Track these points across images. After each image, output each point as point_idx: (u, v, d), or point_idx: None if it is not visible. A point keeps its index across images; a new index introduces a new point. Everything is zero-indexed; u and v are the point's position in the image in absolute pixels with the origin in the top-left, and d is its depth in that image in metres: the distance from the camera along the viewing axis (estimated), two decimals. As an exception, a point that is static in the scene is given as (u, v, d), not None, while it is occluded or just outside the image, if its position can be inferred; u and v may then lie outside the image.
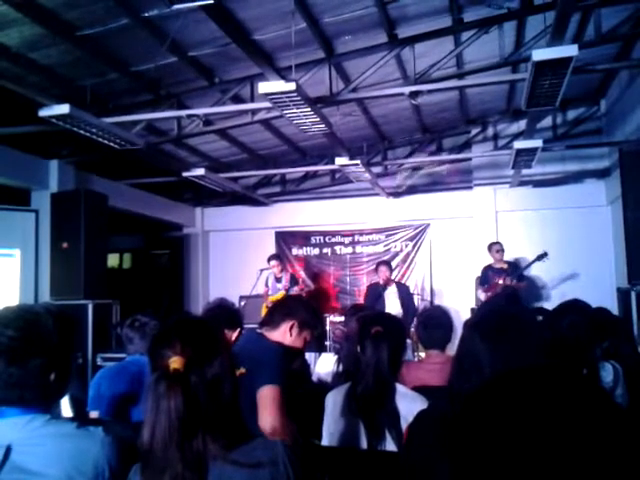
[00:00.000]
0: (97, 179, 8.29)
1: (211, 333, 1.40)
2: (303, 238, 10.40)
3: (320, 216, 10.19)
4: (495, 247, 7.84)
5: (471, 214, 9.44)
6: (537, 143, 6.72)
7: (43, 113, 5.02)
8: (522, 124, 8.27)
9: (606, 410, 0.65)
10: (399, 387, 2.31)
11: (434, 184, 9.78)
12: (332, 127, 6.00)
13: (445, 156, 9.45)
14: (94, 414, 2.71)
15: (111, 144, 5.86)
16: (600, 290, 7.45)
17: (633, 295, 5.74)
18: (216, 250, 10.96)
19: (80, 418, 1.79)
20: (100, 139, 5.69)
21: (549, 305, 7.76)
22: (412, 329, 6.45)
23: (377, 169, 9.11)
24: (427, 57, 5.92)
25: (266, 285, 8.34)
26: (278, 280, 8.26)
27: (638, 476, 0.59)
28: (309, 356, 3.86)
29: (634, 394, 2.57)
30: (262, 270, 8.37)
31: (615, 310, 6.03)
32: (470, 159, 9.43)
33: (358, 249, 10.16)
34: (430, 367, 2.90)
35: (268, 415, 2.14)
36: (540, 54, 4.30)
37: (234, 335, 3.07)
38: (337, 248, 10.25)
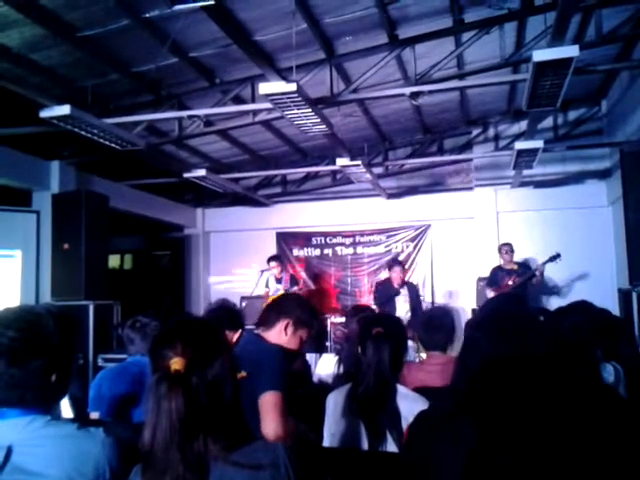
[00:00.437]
0: (98, 180, 8.30)
1: (212, 334, 1.40)
2: (304, 239, 10.40)
3: (321, 217, 10.19)
4: (505, 248, 7.84)
5: (472, 215, 9.43)
6: (538, 144, 6.72)
7: (44, 114, 5.02)
8: (523, 125, 8.27)
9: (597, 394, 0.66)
10: (400, 388, 2.31)
11: (435, 185, 9.78)
12: (333, 128, 6.00)
13: (446, 157, 9.45)
14: (95, 415, 2.71)
15: (112, 145, 5.86)
16: (601, 291, 7.44)
17: (634, 296, 5.73)
18: (217, 251, 10.96)
19: (81, 419, 1.79)
20: (101, 140, 5.70)
21: (550, 305, 7.76)
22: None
23: (378, 170, 9.11)
24: (428, 58, 5.91)
25: (266, 286, 8.34)
26: (278, 281, 8.26)
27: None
28: (310, 357, 3.86)
29: (635, 395, 2.56)
30: (263, 271, 8.37)
31: (616, 311, 6.02)
32: (471, 160, 9.42)
33: (359, 250, 10.16)
34: (431, 368, 2.90)
35: (271, 421, 2.11)
36: (541, 55, 4.29)
37: (235, 336, 3.06)
38: (338, 249, 10.24)
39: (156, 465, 1.21)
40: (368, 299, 9.68)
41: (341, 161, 7.33)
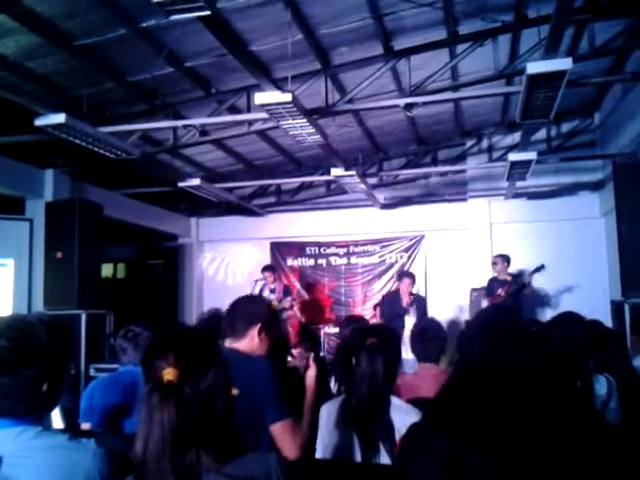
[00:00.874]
0: (92, 188, 8.28)
1: (205, 344, 1.39)
2: (298, 249, 10.39)
3: (315, 227, 10.19)
4: (496, 259, 7.85)
5: (466, 226, 9.46)
6: (531, 155, 6.76)
7: (39, 122, 5.02)
8: (517, 136, 8.32)
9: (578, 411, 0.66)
10: (394, 399, 2.31)
11: (429, 195, 9.81)
12: (328, 138, 6.03)
13: (440, 168, 9.49)
14: (86, 425, 2.68)
15: (107, 154, 5.86)
16: (594, 302, 7.47)
17: (627, 308, 5.75)
18: (211, 260, 10.94)
19: (72, 430, 1.77)
20: (96, 148, 5.69)
21: (543, 317, 7.77)
22: None
23: (372, 180, 9.14)
24: (422, 69, 5.95)
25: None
26: (272, 291, 8.24)
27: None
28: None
29: (627, 407, 2.56)
30: (257, 281, 8.35)
31: (609, 323, 6.03)
32: (465, 171, 9.47)
33: (353, 260, 10.16)
34: (424, 380, 2.89)
35: (291, 447, 2.20)
36: (534, 67, 4.33)
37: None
38: (332, 259, 10.24)
39: (148, 476, 1.20)
40: (362, 309, 9.67)
41: (335, 171, 7.35)
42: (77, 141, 5.45)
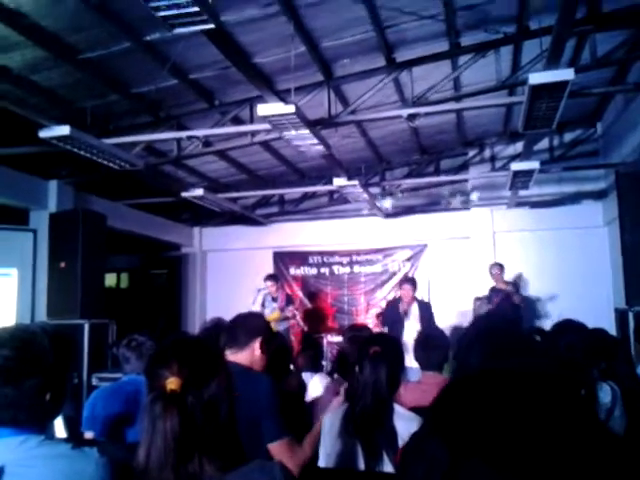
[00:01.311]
0: (96, 199, 8.31)
1: (209, 354, 1.40)
2: (301, 258, 10.40)
3: (318, 236, 10.20)
4: (492, 269, 7.87)
5: (468, 235, 9.46)
6: (534, 165, 6.77)
7: (43, 134, 5.05)
8: (519, 146, 8.34)
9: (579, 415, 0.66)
10: (397, 408, 2.30)
11: (432, 204, 9.82)
12: (331, 148, 6.05)
13: (443, 177, 9.50)
14: (89, 434, 2.69)
15: (110, 165, 5.89)
16: (598, 311, 7.43)
17: (631, 316, 5.74)
18: (214, 270, 10.95)
19: (75, 439, 1.78)
20: (100, 160, 5.72)
21: (547, 326, 7.74)
22: None
23: (375, 190, 9.15)
24: (425, 80, 5.98)
25: (263, 305, 8.31)
26: (274, 300, 8.23)
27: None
28: (305, 376, 3.83)
29: (632, 415, 2.55)
30: (259, 290, 8.35)
31: (613, 331, 6.01)
32: (467, 180, 9.48)
33: (356, 269, 10.16)
34: (427, 388, 2.88)
35: (292, 465, 2.22)
36: (537, 78, 4.35)
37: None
38: (335, 268, 10.24)
39: (150, 485, 1.20)
40: (365, 318, 9.66)
41: (338, 181, 7.37)
42: (81, 152, 5.48)
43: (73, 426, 2.78)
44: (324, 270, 10.27)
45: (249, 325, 2.56)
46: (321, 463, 2.37)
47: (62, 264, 6.99)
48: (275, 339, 2.75)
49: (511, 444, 0.62)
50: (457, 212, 9.61)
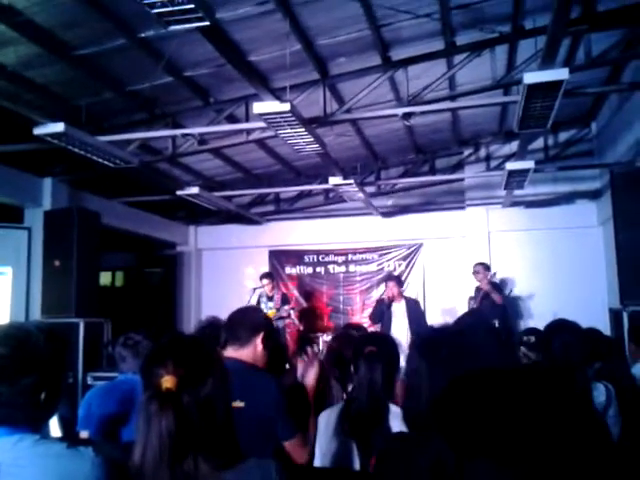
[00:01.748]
0: (91, 197, 8.28)
1: (204, 352, 1.40)
2: (296, 257, 10.40)
3: (314, 235, 10.20)
4: (474, 268, 7.95)
5: (464, 234, 9.48)
6: (529, 164, 6.78)
7: (38, 131, 5.02)
8: (514, 145, 8.36)
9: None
10: (393, 407, 2.30)
11: (427, 204, 9.83)
12: (326, 147, 6.04)
13: (438, 176, 9.52)
14: (84, 434, 2.68)
15: (105, 162, 5.87)
16: (592, 311, 7.46)
17: (625, 316, 5.76)
18: (209, 268, 10.93)
19: (70, 438, 1.77)
20: (95, 157, 5.70)
21: (541, 325, 7.76)
22: None
23: (370, 189, 9.16)
24: (420, 79, 5.99)
25: (258, 305, 8.30)
26: (270, 299, 8.23)
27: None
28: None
29: (626, 415, 2.56)
30: (255, 289, 8.35)
31: (607, 331, 6.04)
32: (463, 179, 9.49)
33: (351, 268, 10.16)
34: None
35: (302, 459, 2.34)
36: (532, 77, 4.36)
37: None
38: (330, 267, 10.24)
39: (146, 484, 1.20)
40: (360, 317, 9.66)
41: (334, 180, 7.37)
42: (76, 150, 5.45)
43: (68, 425, 2.77)
44: (320, 269, 10.27)
45: (250, 320, 2.51)
46: (317, 462, 2.37)
47: (57, 262, 6.96)
48: (275, 335, 2.73)
49: (514, 443, 0.62)
50: (452, 211, 9.63)
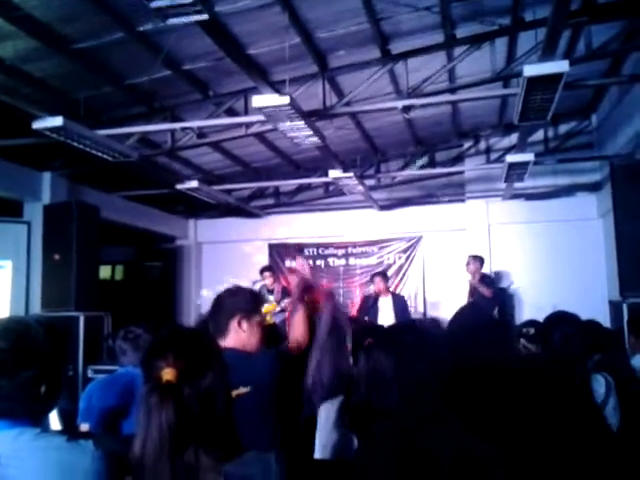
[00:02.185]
0: (90, 191, 8.27)
1: (205, 345, 1.40)
2: (296, 250, 10.40)
3: (313, 228, 10.20)
4: (469, 261, 7.97)
5: (464, 227, 9.48)
6: (529, 157, 6.78)
7: (37, 125, 5.01)
8: (514, 138, 8.34)
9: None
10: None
11: (427, 197, 9.82)
12: (325, 140, 6.03)
13: (438, 169, 9.50)
14: (85, 426, 2.68)
15: (104, 156, 5.86)
16: (592, 303, 7.45)
17: (625, 308, 5.76)
18: (209, 262, 10.93)
19: (70, 431, 1.77)
20: (93, 151, 5.69)
21: (541, 317, 7.77)
22: None
23: (370, 182, 9.15)
24: (420, 72, 5.97)
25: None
26: (270, 292, 8.23)
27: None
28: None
29: (626, 406, 2.57)
30: (255, 282, 8.34)
31: (607, 323, 6.04)
32: (463, 172, 9.48)
33: (351, 261, 10.17)
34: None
35: (298, 334, 2.39)
36: (532, 69, 4.35)
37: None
38: (330, 260, 10.25)
39: (146, 477, 1.20)
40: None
41: (333, 173, 7.36)
42: (75, 144, 5.44)
43: (68, 418, 2.78)
44: (319, 262, 10.28)
45: (224, 306, 2.36)
46: (317, 455, 2.38)
47: (56, 256, 6.96)
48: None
49: (520, 424, 0.63)
50: (452, 204, 9.63)
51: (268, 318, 4.70)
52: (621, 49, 5.93)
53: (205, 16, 3.41)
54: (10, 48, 4.86)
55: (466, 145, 9.49)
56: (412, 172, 9.48)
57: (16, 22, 4.46)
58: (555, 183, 9.10)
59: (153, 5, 3.24)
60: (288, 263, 10.39)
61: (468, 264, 7.88)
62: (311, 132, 5.45)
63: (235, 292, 2.45)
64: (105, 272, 11.50)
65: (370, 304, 7.40)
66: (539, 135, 8.91)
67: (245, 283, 8.80)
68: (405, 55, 5.83)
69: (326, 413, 2.42)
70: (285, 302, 8.06)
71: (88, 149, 5.62)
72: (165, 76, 5.68)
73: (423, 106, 6.10)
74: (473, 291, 7.74)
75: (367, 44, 5.69)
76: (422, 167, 9.59)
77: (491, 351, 1.89)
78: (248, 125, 6.42)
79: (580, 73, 5.86)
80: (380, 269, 9.76)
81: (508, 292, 8.87)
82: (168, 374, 1.24)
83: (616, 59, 6.57)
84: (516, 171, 7.18)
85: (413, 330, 1.73)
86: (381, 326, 5.38)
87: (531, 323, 3.44)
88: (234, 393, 1.75)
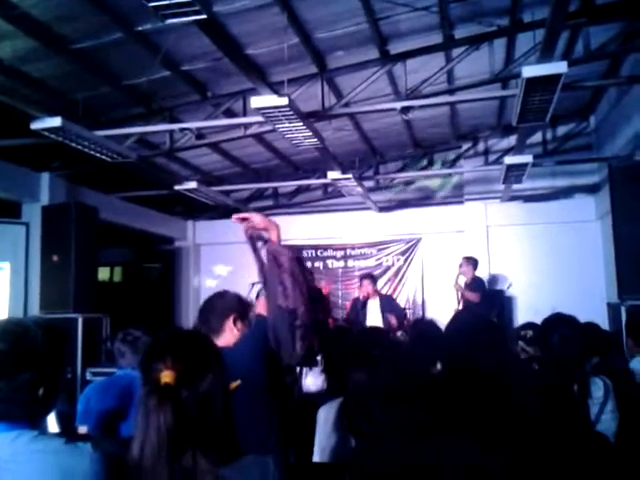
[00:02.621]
0: (88, 192, 8.26)
1: (204, 347, 1.39)
2: (295, 252, 10.38)
3: (312, 230, 10.18)
4: (462, 263, 7.96)
5: (462, 228, 9.48)
6: (527, 159, 6.78)
7: (35, 126, 5.01)
8: (512, 139, 8.34)
9: None
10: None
11: (425, 198, 9.83)
12: (324, 141, 6.03)
13: (436, 171, 9.50)
14: (83, 429, 2.68)
15: (103, 157, 5.85)
16: (590, 305, 7.44)
17: (623, 310, 5.76)
18: (207, 263, 10.92)
19: (68, 434, 1.77)
20: (92, 152, 5.68)
21: (539, 320, 7.77)
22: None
23: (369, 183, 9.15)
24: (418, 73, 5.97)
25: (257, 299, 8.28)
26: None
27: None
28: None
29: (624, 409, 2.57)
30: (253, 284, 8.31)
31: (605, 325, 6.04)
32: (461, 174, 9.48)
33: (350, 263, 10.16)
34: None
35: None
36: (530, 71, 4.35)
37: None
38: (329, 262, 10.24)
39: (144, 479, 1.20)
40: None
41: (332, 174, 7.36)
42: (73, 144, 5.44)
43: (66, 421, 2.77)
44: (318, 264, 10.27)
45: (216, 306, 2.45)
46: (315, 458, 2.37)
47: (55, 257, 6.95)
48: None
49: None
50: (451, 206, 9.63)
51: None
52: (619, 50, 5.94)
53: (203, 16, 3.40)
54: (8, 48, 4.86)
55: (464, 147, 9.49)
56: (411, 174, 9.48)
57: (14, 21, 4.44)
58: (553, 185, 9.11)
59: (152, 5, 3.24)
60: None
61: (461, 266, 7.87)
62: (310, 133, 5.45)
63: (225, 294, 2.56)
64: (104, 274, 11.48)
65: (360, 307, 7.37)
66: (537, 137, 8.92)
67: (243, 285, 8.81)
68: (404, 56, 5.83)
69: (325, 415, 2.42)
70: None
71: (87, 150, 5.61)
72: (164, 77, 5.68)
73: (422, 107, 6.09)
74: (462, 296, 7.73)
75: (366, 44, 5.69)
76: (420, 168, 9.59)
77: (485, 355, 1.89)
78: (247, 126, 6.42)
79: (578, 74, 5.87)
80: (378, 271, 9.78)
81: (506, 294, 8.87)
82: (167, 377, 1.23)
83: (614, 60, 6.58)
84: (514, 173, 7.18)
85: (380, 343, 1.75)
86: (376, 329, 5.36)
87: (529, 325, 3.44)
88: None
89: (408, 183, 9.79)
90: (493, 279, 9.05)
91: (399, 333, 6.73)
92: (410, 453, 1.21)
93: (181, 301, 10.80)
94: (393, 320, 7.03)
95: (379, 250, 10.02)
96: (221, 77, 5.93)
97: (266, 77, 5.75)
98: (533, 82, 4.41)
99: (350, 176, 7.34)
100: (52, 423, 2.49)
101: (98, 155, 5.77)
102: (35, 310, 6.96)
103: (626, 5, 5.11)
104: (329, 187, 9.63)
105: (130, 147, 6.35)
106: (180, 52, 5.31)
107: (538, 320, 3.13)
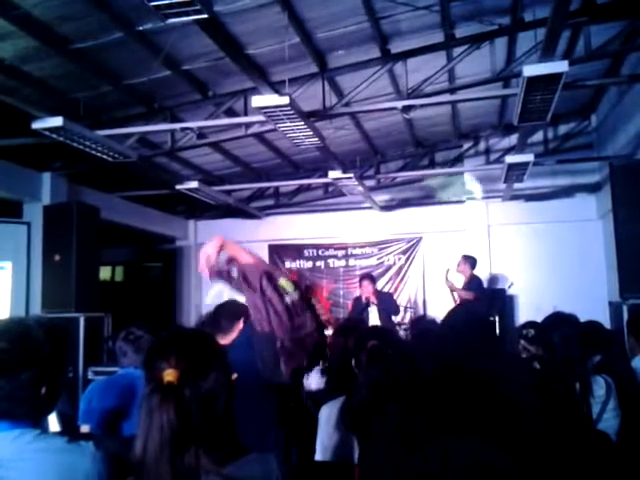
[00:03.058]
0: (90, 191, 8.26)
1: (207, 346, 1.39)
2: (296, 251, 10.39)
3: (313, 229, 10.19)
4: (459, 261, 7.94)
5: (463, 227, 9.47)
6: (528, 158, 6.77)
7: (36, 125, 5.01)
8: (514, 139, 8.34)
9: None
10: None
11: (427, 197, 9.82)
12: (325, 141, 6.03)
13: (437, 170, 9.50)
14: (85, 428, 2.68)
15: (104, 157, 5.85)
16: (592, 304, 7.43)
17: (625, 309, 5.76)
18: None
19: (70, 433, 1.77)
20: (93, 152, 5.69)
21: (541, 319, 7.76)
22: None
23: (370, 182, 9.14)
24: (419, 72, 5.96)
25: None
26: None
27: None
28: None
29: (626, 408, 2.57)
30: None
31: (607, 324, 6.04)
32: (462, 173, 9.48)
33: (351, 262, 10.16)
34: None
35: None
36: (531, 70, 4.35)
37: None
38: (330, 261, 10.24)
39: (147, 478, 1.20)
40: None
41: (333, 174, 7.36)
42: (74, 144, 5.44)
43: (68, 420, 2.77)
44: (319, 263, 10.27)
45: (228, 310, 2.66)
46: (318, 457, 2.37)
47: (56, 257, 6.96)
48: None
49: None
50: (452, 205, 9.62)
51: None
52: (620, 49, 5.92)
53: (204, 15, 3.40)
54: (9, 48, 4.86)
55: (466, 146, 9.48)
56: (412, 173, 9.47)
57: (15, 21, 4.45)
58: (555, 184, 9.10)
59: (152, 4, 3.24)
60: (288, 264, 10.39)
61: (459, 264, 7.86)
62: (311, 132, 5.44)
63: (236, 302, 2.74)
64: (105, 273, 11.49)
65: (362, 306, 7.36)
66: (539, 136, 8.92)
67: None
68: (405, 55, 5.82)
69: (327, 414, 2.42)
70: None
71: (88, 149, 5.61)
72: (164, 76, 5.67)
73: (423, 106, 6.09)
74: (453, 292, 7.73)
75: (366, 44, 5.69)
76: (422, 167, 9.59)
77: (477, 350, 1.89)
78: (248, 125, 6.42)
79: (579, 73, 5.86)
80: (380, 270, 9.78)
81: (507, 293, 8.86)
82: (170, 375, 1.23)
83: (615, 59, 6.57)
84: (516, 172, 7.18)
85: (393, 341, 1.77)
86: (384, 328, 5.38)
87: (531, 324, 3.44)
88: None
89: (413, 182, 9.77)
90: (494, 278, 9.05)
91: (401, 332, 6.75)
92: (415, 460, 1.21)
93: (182, 300, 10.80)
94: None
95: (380, 249, 10.02)
96: (222, 76, 5.93)
97: (267, 76, 5.75)
98: (534, 81, 4.40)
99: (351, 175, 7.34)
100: (53, 422, 2.50)
101: (99, 155, 5.78)
102: (37, 309, 6.96)
103: (627, 4, 5.10)
104: (330, 186, 9.62)
105: (131, 147, 6.35)
106: (181, 52, 5.31)
107: (539, 319, 3.13)
